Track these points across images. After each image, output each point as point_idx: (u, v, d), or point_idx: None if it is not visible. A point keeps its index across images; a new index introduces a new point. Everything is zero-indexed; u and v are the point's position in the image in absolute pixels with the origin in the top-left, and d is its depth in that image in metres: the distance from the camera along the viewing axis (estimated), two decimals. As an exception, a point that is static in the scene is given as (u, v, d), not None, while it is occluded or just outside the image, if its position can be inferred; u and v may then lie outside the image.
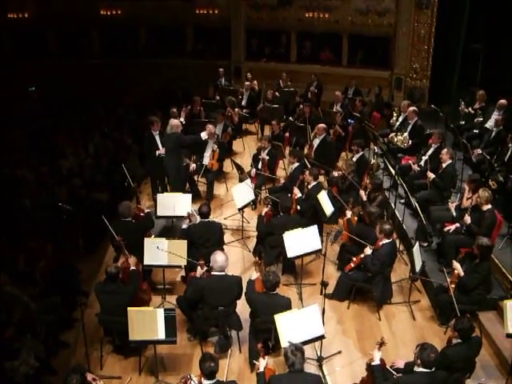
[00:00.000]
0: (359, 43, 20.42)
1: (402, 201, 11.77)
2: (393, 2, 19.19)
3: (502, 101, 13.70)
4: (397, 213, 11.63)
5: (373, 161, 13.66)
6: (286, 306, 7.88)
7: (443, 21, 18.55)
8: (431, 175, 11.53)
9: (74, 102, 19.35)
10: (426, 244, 10.60)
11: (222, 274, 8.27)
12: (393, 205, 11.67)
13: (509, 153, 11.95)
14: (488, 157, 11.18)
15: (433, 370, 6.59)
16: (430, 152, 12.36)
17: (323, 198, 10.58)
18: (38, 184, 12.00)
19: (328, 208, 10.46)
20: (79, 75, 20.52)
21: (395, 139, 13.80)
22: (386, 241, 9.19)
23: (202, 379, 6.46)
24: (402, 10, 18.95)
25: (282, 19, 20.55)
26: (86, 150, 14.26)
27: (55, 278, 9.27)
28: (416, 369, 6.69)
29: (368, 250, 9.34)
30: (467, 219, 9.75)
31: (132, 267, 8.73)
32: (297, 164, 12.24)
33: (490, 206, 9.65)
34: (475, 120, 14.40)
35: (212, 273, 8.27)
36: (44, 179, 12.28)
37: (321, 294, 9.10)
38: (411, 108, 14.12)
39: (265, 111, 16.40)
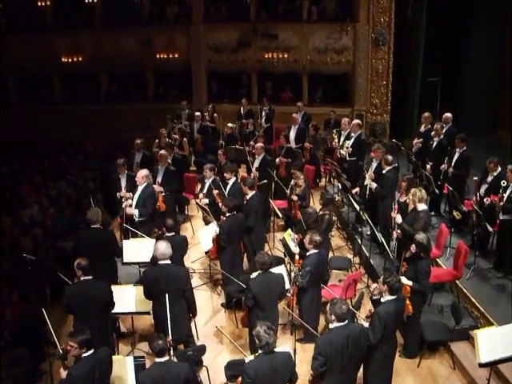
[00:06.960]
0: (319, 81, 20.64)
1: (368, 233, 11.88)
2: (350, 39, 19.50)
3: (447, 114, 13.70)
4: (363, 248, 11.64)
5: (337, 197, 13.71)
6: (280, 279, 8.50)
7: (400, 56, 18.94)
8: (374, 185, 11.67)
9: (36, 149, 19.26)
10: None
11: (167, 262, 8.24)
12: (359, 240, 11.69)
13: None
14: (451, 188, 11.24)
15: (346, 322, 6.72)
16: (373, 167, 12.13)
17: (289, 240, 10.40)
18: (1, 234, 11.83)
19: (295, 249, 10.24)
20: (41, 123, 20.65)
21: (340, 152, 14.17)
22: (313, 251, 8.88)
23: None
24: (360, 48, 19.30)
25: (242, 61, 20.68)
26: (50, 198, 14.11)
27: (21, 329, 9.08)
28: (331, 325, 6.80)
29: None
30: (398, 218, 9.88)
31: None
32: (234, 179, 12.05)
33: (425, 207, 9.86)
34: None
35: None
36: (8, 229, 12.12)
37: (291, 334, 9.04)
38: (355, 121, 14.32)
39: (229, 153, 16.07)
